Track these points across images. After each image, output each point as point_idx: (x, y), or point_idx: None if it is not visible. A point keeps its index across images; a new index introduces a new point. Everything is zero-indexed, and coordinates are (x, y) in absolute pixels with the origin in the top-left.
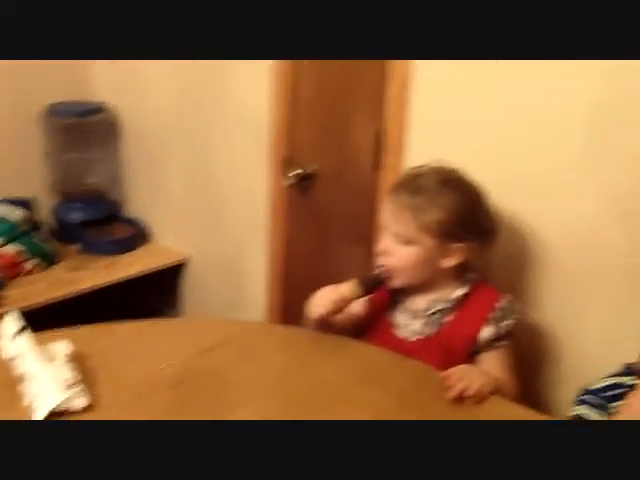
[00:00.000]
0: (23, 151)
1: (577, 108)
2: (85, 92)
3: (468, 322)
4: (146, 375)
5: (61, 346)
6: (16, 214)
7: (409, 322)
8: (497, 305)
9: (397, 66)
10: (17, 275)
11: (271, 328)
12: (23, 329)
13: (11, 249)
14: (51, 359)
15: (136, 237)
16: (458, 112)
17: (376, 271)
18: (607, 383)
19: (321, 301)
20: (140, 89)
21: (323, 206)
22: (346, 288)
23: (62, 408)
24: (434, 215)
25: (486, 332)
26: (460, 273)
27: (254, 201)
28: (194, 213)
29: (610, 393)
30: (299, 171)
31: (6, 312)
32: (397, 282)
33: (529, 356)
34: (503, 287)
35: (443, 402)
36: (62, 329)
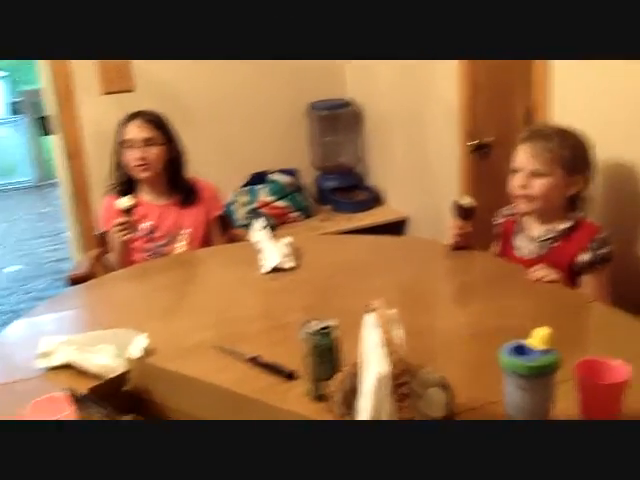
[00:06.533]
0: (294, 135)
1: None
2: (338, 91)
3: (570, 249)
4: None
5: (286, 239)
6: (285, 179)
7: (526, 245)
8: (595, 237)
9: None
10: (284, 222)
11: None
12: (265, 227)
13: (281, 203)
14: (277, 243)
15: (372, 200)
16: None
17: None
18: None
19: None
20: (374, 86)
21: (497, 169)
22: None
23: (279, 266)
24: (563, 151)
25: (584, 257)
26: (569, 209)
27: (450, 165)
28: (412, 181)
29: None
30: (477, 141)
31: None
32: (531, 207)
33: (622, 283)
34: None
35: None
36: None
